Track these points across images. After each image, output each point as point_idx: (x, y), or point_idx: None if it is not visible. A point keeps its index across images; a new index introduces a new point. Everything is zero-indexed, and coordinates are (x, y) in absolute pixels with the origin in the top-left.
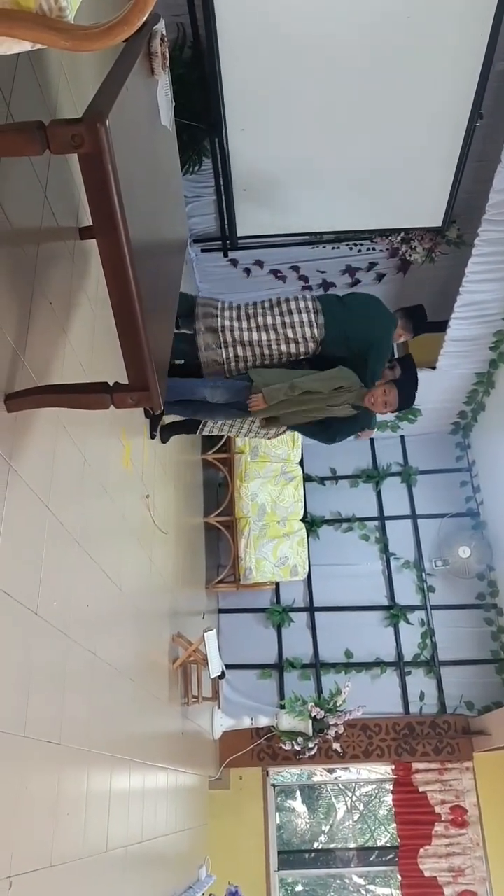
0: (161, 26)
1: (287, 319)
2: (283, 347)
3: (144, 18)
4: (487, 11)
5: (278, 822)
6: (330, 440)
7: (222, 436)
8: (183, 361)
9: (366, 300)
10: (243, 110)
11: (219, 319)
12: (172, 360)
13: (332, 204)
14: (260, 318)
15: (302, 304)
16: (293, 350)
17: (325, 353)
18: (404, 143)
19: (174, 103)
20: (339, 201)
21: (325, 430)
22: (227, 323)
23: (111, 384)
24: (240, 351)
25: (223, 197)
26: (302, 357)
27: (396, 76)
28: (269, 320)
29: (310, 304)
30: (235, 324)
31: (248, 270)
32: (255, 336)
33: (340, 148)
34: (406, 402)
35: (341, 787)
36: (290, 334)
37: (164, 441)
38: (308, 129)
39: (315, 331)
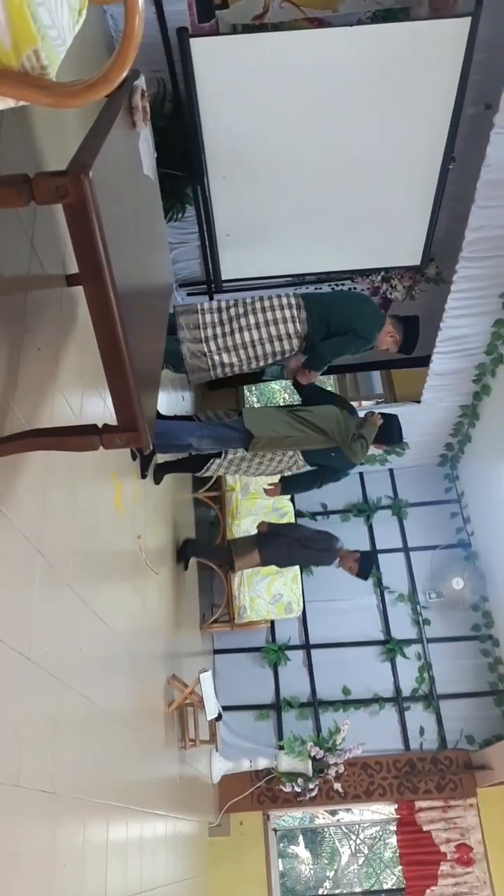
0: (141, 82)
1: (269, 316)
2: (268, 347)
3: (124, 76)
4: (456, 61)
5: (281, 868)
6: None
7: (217, 476)
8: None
9: (352, 295)
10: (224, 159)
11: (201, 330)
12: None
13: (314, 247)
14: (242, 320)
15: (284, 301)
16: (277, 349)
17: (308, 344)
18: (381, 186)
19: (156, 154)
20: (320, 244)
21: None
22: (209, 332)
23: (100, 426)
24: (225, 358)
25: (207, 242)
26: (287, 355)
27: (371, 124)
28: (252, 319)
29: (291, 300)
30: (218, 330)
31: None
32: (238, 339)
33: (320, 193)
34: (390, 438)
35: (345, 830)
36: (273, 332)
37: (157, 482)
38: (288, 175)
39: (298, 326)
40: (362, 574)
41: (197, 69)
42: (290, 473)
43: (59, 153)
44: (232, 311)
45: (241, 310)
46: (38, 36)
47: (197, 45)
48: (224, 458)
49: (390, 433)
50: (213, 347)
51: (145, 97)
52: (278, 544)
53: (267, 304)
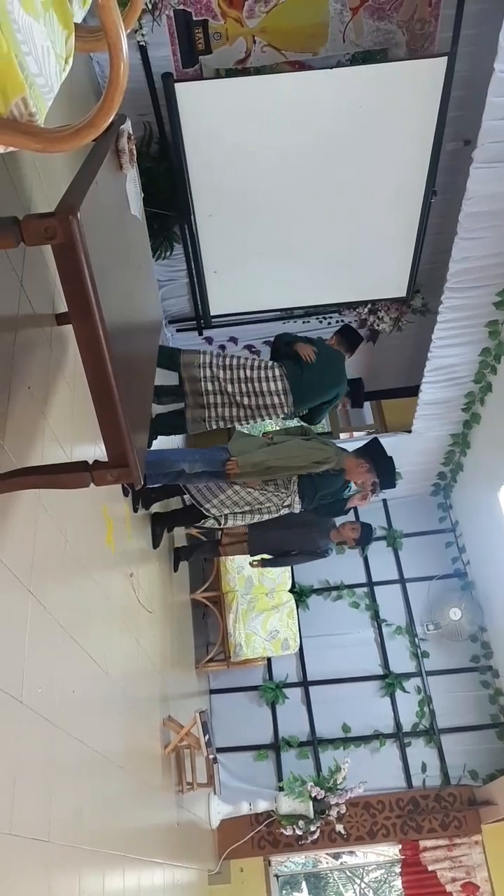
0: (128, 126)
1: (262, 401)
2: (259, 421)
3: (110, 121)
4: (434, 99)
5: None
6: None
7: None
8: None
9: (328, 368)
10: (210, 198)
11: (204, 397)
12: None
13: (300, 281)
14: (238, 398)
15: (273, 386)
16: (267, 420)
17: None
18: (366, 221)
19: (143, 194)
20: (307, 278)
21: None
22: (210, 400)
23: (90, 462)
24: (222, 424)
25: (195, 279)
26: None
27: (354, 161)
28: (247, 401)
29: (279, 386)
30: (218, 399)
31: (223, 347)
32: (235, 413)
33: (306, 229)
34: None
35: (349, 874)
36: (265, 414)
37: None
38: (274, 213)
39: (285, 410)
40: (364, 541)
41: (182, 112)
42: (285, 511)
43: (47, 197)
44: (231, 387)
45: (237, 387)
46: (25, 84)
47: (182, 89)
48: (216, 497)
49: (384, 466)
50: (213, 414)
51: (132, 140)
52: (267, 529)
53: (258, 387)
